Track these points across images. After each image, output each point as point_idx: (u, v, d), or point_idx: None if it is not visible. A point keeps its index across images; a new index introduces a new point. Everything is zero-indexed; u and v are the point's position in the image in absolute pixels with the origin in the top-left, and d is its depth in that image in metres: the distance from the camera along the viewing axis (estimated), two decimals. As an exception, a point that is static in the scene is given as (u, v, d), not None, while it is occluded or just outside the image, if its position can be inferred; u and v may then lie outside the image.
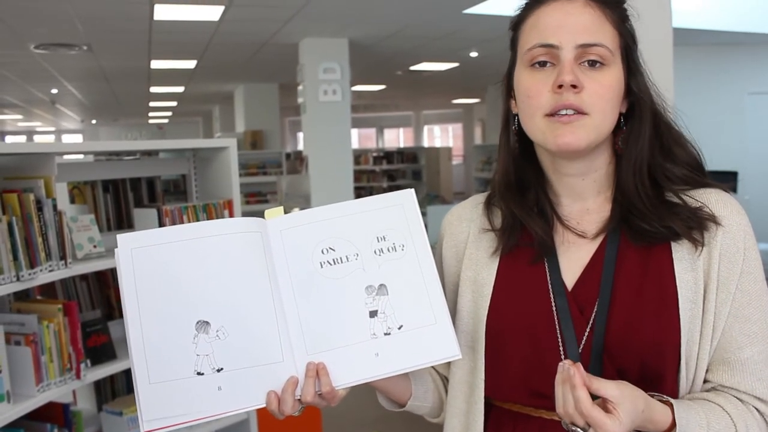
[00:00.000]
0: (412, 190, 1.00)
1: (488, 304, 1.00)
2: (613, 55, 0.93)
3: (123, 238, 0.91)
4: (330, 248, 0.95)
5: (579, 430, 0.81)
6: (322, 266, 0.94)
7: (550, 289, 0.97)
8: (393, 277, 0.94)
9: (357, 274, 0.94)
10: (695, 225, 0.93)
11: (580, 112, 0.91)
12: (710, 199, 0.95)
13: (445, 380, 1.11)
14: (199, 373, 0.88)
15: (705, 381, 0.94)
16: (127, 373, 2.67)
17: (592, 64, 0.92)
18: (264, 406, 0.90)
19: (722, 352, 0.92)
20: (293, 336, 0.91)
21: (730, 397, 0.92)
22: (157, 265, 0.91)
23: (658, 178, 0.97)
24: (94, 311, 2.53)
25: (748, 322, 0.91)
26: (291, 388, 0.89)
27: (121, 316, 2.68)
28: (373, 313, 0.93)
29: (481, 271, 1.03)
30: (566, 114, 0.91)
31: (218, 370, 0.89)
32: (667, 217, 0.93)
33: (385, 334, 0.92)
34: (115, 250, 0.91)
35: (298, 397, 0.90)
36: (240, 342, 0.90)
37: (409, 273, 0.95)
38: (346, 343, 0.92)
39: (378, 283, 0.94)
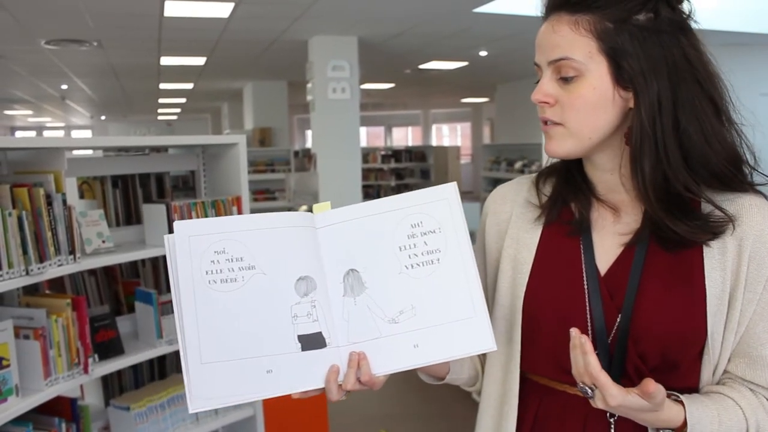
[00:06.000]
0: (455, 183, 1.01)
1: (526, 282, 1.05)
2: (587, 61, 0.94)
3: (180, 226, 0.95)
4: (372, 246, 0.97)
5: (588, 389, 0.87)
6: (364, 263, 0.97)
7: (584, 273, 1.01)
8: (436, 273, 0.97)
9: (399, 270, 0.97)
10: (714, 233, 0.95)
11: (554, 122, 0.98)
12: (744, 204, 0.97)
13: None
14: (250, 356, 0.92)
15: (725, 371, 0.98)
16: (135, 369, 2.67)
17: (565, 78, 0.96)
18: (308, 389, 0.94)
19: (744, 347, 0.96)
20: (337, 325, 0.95)
21: (744, 390, 0.96)
22: (212, 253, 0.95)
23: (673, 180, 0.94)
24: (103, 306, 2.54)
25: None
26: (333, 377, 0.94)
27: (129, 311, 2.69)
28: (414, 307, 0.95)
29: (521, 250, 1.08)
30: (546, 124, 1.00)
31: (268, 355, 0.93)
32: (683, 225, 0.94)
33: (425, 327, 0.95)
34: (168, 237, 0.94)
35: (341, 383, 0.94)
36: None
37: (452, 269, 0.97)
38: (386, 334, 0.95)
39: (421, 277, 0.96)
